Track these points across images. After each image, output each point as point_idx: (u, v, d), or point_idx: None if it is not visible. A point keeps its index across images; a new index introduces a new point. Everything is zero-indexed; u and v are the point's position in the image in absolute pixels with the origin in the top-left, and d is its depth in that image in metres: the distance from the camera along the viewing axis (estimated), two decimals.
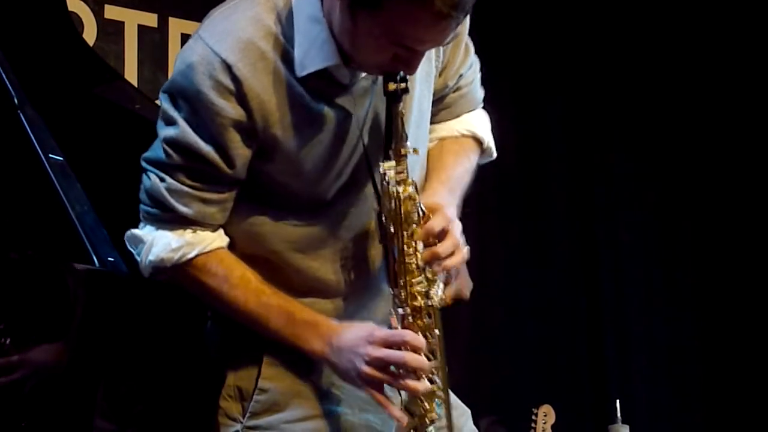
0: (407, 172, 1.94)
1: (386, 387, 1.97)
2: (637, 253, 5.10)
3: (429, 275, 1.96)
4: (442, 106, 2.22)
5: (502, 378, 4.75)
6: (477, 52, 2.24)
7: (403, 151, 1.93)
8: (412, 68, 1.90)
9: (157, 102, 2.01)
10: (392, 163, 1.93)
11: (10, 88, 2.34)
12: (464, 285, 2.05)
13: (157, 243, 1.99)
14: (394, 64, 1.88)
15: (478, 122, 2.26)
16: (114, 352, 1.98)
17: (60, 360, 1.91)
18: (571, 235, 5.00)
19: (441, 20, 1.78)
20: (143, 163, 2.00)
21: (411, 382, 1.93)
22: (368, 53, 1.87)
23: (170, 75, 1.99)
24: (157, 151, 1.98)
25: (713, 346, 5.10)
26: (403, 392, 2.02)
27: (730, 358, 5.05)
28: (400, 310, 1.95)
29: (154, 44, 4.18)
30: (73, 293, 1.96)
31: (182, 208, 1.97)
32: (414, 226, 1.94)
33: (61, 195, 2.22)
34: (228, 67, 1.89)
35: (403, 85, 1.90)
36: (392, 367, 1.93)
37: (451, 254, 1.96)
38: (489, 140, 2.27)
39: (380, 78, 1.97)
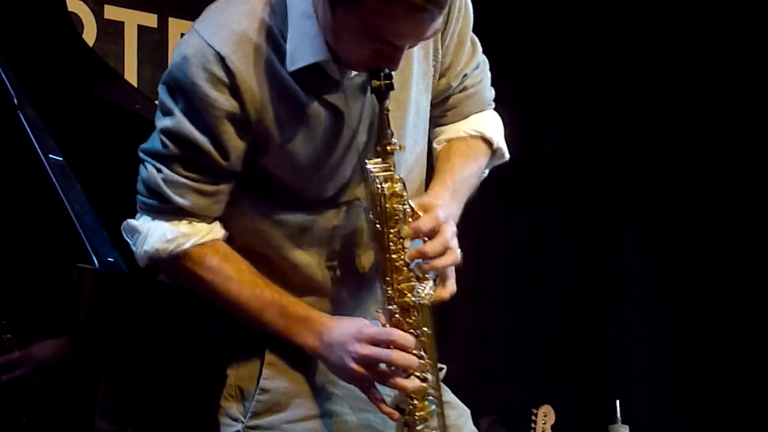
0: (394, 169, 1.94)
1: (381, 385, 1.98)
2: (637, 253, 5.09)
3: (418, 273, 1.95)
4: (448, 107, 2.21)
5: (502, 378, 4.74)
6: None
7: (389, 148, 1.93)
8: (394, 64, 1.89)
9: (157, 102, 2.01)
10: (378, 159, 1.94)
11: (10, 88, 2.34)
12: (447, 288, 2.04)
13: (153, 233, 1.99)
14: (377, 59, 1.87)
15: (487, 123, 2.24)
16: (114, 353, 1.98)
17: (60, 358, 1.91)
18: (571, 235, 5.00)
19: (416, 13, 1.78)
20: (141, 154, 2.01)
21: (400, 380, 1.94)
22: (350, 48, 1.87)
23: (161, 78, 2.00)
24: (154, 142, 1.98)
25: (713, 346, 5.10)
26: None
27: (729, 358, 5.05)
28: (389, 307, 1.96)
29: (153, 44, 4.18)
30: (73, 293, 1.96)
31: (178, 199, 1.97)
32: (401, 224, 1.94)
33: (61, 195, 2.22)
34: (221, 59, 1.90)
35: (387, 81, 1.89)
36: (382, 365, 1.94)
37: (441, 254, 1.95)
38: (499, 141, 2.25)
39: None
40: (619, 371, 4.96)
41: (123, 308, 2.02)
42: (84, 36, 3.89)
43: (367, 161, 1.95)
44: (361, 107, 2.01)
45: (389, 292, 1.95)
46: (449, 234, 1.96)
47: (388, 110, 1.92)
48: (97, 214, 2.25)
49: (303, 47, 1.92)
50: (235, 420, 2.06)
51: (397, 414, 1.97)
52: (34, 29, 2.67)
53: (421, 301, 1.95)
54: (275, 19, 1.93)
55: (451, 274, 2.04)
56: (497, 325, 4.82)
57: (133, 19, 4.15)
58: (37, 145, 2.29)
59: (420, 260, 1.96)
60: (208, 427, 2.06)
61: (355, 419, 2.08)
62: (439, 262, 1.96)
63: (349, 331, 1.96)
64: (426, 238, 1.94)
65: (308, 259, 2.05)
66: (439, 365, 2.04)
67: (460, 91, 2.21)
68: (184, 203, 1.98)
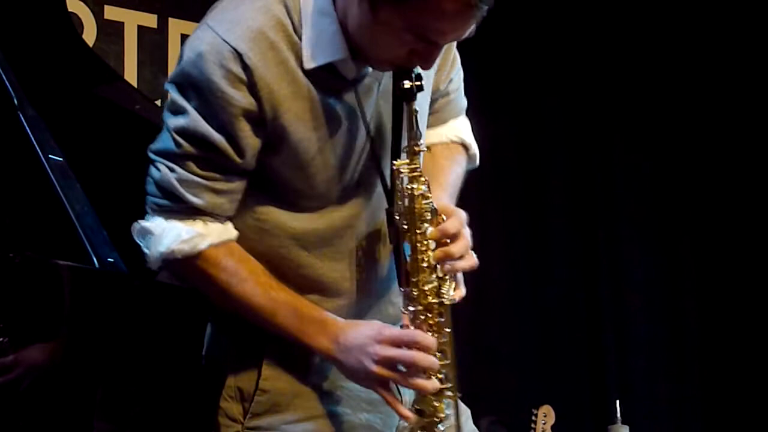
0: (420, 170, 1.94)
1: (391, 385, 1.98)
2: (637, 253, 5.10)
3: (440, 274, 1.96)
4: (432, 111, 2.22)
5: (502, 378, 4.74)
6: (477, 53, 2.24)
7: (417, 149, 1.93)
8: (429, 63, 1.90)
9: (157, 102, 2.01)
10: (406, 160, 1.93)
11: (10, 88, 2.33)
12: (460, 290, 2.05)
13: (168, 234, 1.97)
14: (410, 58, 1.87)
15: (463, 128, 2.28)
16: (114, 353, 1.98)
17: (59, 360, 1.91)
18: (571, 235, 5.00)
19: (467, 10, 1.79)
20: (150, 155, 1.98)
21: (421, 381, 1.93)
22: (386, 47, 1.87)
23: (170, 74, 1.99)
24: (165, 141, 1.96)
25: (713, 347, 5.10)
26: (410, 391, 2.01)
27: (729, 359, 5.05)
28: (411, 308, 1.95)
29: (153, 45, 4.18)
30: (72, 294, 1.96)
31: (193, 199, 1.96)
32: (426, 224, 1.94)
33: (61, 195, 2.22)
34: (239, 56, 1.89)
35: (418, 83, 1.89)
36: (401, 366, 1.93)
37: (463, 257, 1.97)
38: (474, 147, 2.28)
39: (384, 76, 1.97)
40: (619, 371, 4.96)
41: (122, 309, 2.01)
42: (84, 36, 3.89)
43: (394, 162, 1.94)
44: (371, 107, 2.00)
45: (413, 292, 1.95)
46: (469, 238, 1.98)
47: (416, 111, 1.91)
48: (98, 214, 2.25)
49: (321, 46, 1.91)
50: (235, 421, 2.05)
51: (412, 417, 1.96)
52: (34, 29, 2.66)
53: (444, 302, 1.96)
54: (290, 16, 1.92)
55: (461, 277, 2.04)
56: (497, 325, 4.82)
57: (133, 20, 4.16)
58: (37, 145, 2.28)
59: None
60: (208, 429, 2.06)
61: (355, 420, 2.08)
62: (460, 264, 1.97)
63: (368, 334, 1.95)
64: (448, 240, 1.95)
65: (315, 261, 2.05)
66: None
67: (444, 96, 2.23)
68: (199, 203, 1.96)
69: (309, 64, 1.92)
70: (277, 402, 2.05)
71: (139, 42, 4.16)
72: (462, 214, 1.99)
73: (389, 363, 1.92)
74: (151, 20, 4.19)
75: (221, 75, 1.89)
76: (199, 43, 1.92)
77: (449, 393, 1.98)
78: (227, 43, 1.89)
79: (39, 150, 2.28)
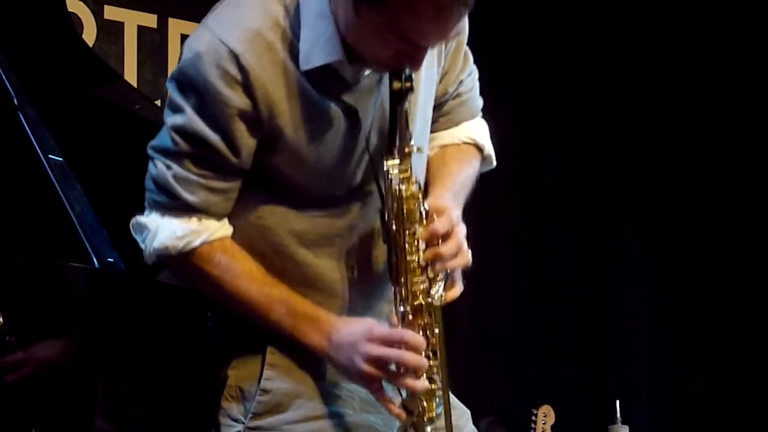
0: (411, 171, 1.94)
1: (387, 385, 1.98)
2: (638, 252, 5.10)
3: (430, 274, 1.96)
4: (442, 113, 2.22)
5: (502, 378, 4.74)
6: (477, 56, 2.24)
7: (407, 150, 1.93)
8: (416, 64, 1.90)
9: (157, 102, 2.01)
10: (396, 161, 1.94)
11: (9, 88, 2.33)
12: (455, 289, 2.05)
13: (162, 230, 1.98)
14: (399, 60, 1.88)
15: (478, 130, 2.27)
16: (114, 353, 1.98)
17: (61, 359, 1.91)
18: (571, 235, 5.00)
19: (444, 12, 1.79)
20: (150, 151, 2.00)
21: (410, 381, 1.93)
22: (373, 48, 1.88)
23: (170, 74, 1.99)
24: (163, 138, 1.98)
25: (713, 347, 5.10)
26: (402, 390, 2.01)
27: (730, 359, 5.05)
28: (401, 308, 1.96)
29: (153, 45, 4.18)
30: (73, 294, 1.96)
31: (188, 196, 1.97)
32: (416, 225, 1.94)
33: (61, 195, 2.22)
34: (235, 57, 1.90)
35: (408, 84, 1.90)
36: (392, 365, 1.93)
37: (454, 256, 1.97)
38: (489, 148, 2.28)
39: (386, 77, 1.97)
40: (619, 371, 4.96)
41: (123, 309, 2.02)
42: (84, 36, 3.89)
43: (385, 162, 1.95)
44: (371, 108, 2.01)
45: (403, 293, 1.95)
46: (461, 236, 1.97)
47: (407, 112, 1.92)
48: (98, 214, 2.25)
49: (318, 47, 1.92)
50: (236, 421, 2.05)
51: (404, 415, 1.97)
52: (34, 29, 2.67)
53: (434, 303, 1.96)
54: (289, 18, 1.93)
55: (459, 274, 2.04)
56: (497, 326, 4.82)
57: (133, 20, 4.15)
58: (37, 145, 2.28)
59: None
60: (209, 428, 2.06)
61: (356, 420, 2.08)
62: (452, 264, 1.97)
63: (360, 332, 1.95)
64: (439, 240, 1.95)
65: (315, 259, 2.05)
66: None
67: (455, 98, 2.23)
68: (194, 200, 1.97)
69: (305, 66, 1.93)
70: (279, 402, 2.05)
71: (139, 42, 4.16)
72: (454, 213, 1.99)
73: (378, 361, 1.93)
74: (151, 20, 4.19)
75: (217, 75, 1.90)
76: (197, 44, 1.93)
77: (440, 393, 1.99)
78: (224, 43, 1.90)
79: (39, 150, 2.28)
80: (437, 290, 1.97)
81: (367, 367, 1.93)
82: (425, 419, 1.98)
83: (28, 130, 2.30)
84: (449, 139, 2.23)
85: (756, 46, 5.04)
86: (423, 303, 1.95)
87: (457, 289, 2.03)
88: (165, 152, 1.97)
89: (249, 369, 2.06)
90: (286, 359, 2.06)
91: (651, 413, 4.94)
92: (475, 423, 2.25)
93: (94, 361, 1.95)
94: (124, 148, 2.22)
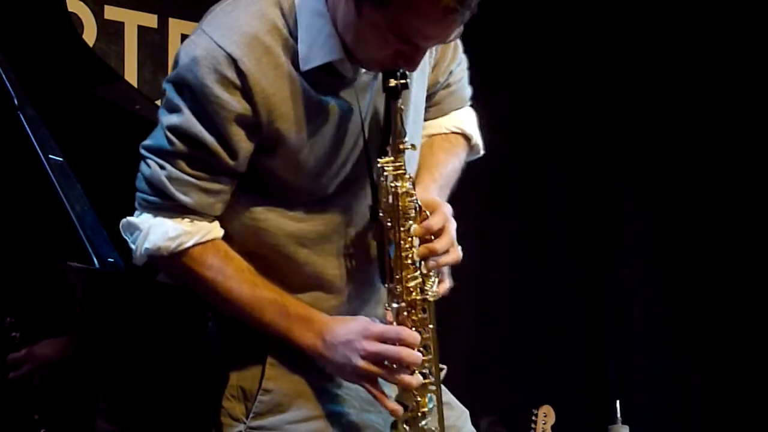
0: (405, 168, 1.94)
1: (382, 381, 1.98)
2: (638, 253, 5.10)
3: (424, 270, 1.96)
4: (432, 104, 2.23)
5: (502, 378, 4.74)
6: (476, 52, 2.24)
7: (401, 147, 1.95)
8: (413, 65, 1.91)
9: (158, 102, 2.01)
10: (390, 158, 1.95)
11: (10, 88, 2.33)
12: (445, 283, 2.06)
13: (155, 231, 1.99)
14: (396, 60, 1.88)
15: (466, 119, 2.28)
16: (115, 353, 1.98)
17: (62, 358, 1.91)
18: (571, 235, 5.00)
19: (448, 15, 1.79)
20: (143, 151, 2.00)
21: (405, 377, 1.95)
22: (372, 48, 1.88)
23: (167, 76, 1.99)
24: (158, 138, 1.98)
25: (713, 347, 5.10)
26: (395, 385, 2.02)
27: (730, 359, 5.05)
28: (395, 305, 1.97)
29: (153, 45, 4.18)
30: (73, 293, 1.96)
31: (182, 197, 1.97)
32: (410, 221, 1.95)
33: (61, 195, 2.22)
34: (233, 62, 1.90)
35: (403, 81, 1.91)
36: (386, 362, 1.94)
37: (447, 252, 1.98)
38: (477, 137, 2.29)
39: (380, 74, 1.98)
40: (619, 371, 4.96)
41: (123, 309, 2.01)
42: (84, 36, 3.89)
43: (378, 159, 1.95)
44: (367, 104, 2.01)
45: (398, 289, 1.96)
46: (453, 232, 1.97)
47: (401, 109, 1.93)
48: (98, 214, 2.25)
49: (316, 47, 1.92)
50: (237, 420, 2.05)
51: (400, 410, 1.98)
52: (34, 29, 2.66)
53: (429, 298, 1.97)
54: (285, 19, 1.93)
55: (447, 270, 2.05)
56: (497, 326, 4.82)
57: (133, 20, 4.15)
58: (37, 145, 2.28)
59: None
60: (209, 428, 2.06)
61: (357, 419, 2.08)
62: (444, 259, 1.98)
63: (355, 330, 1.96)
64: (432, 236, 1.96)
65: (312, 257, 2.06)
66: (440, 365, 2.05)
67: (444, 88, 2.23)
68: (188, 201, 1.97)
69: (305, 66, 1.93)
70: (280, 402, 2.05)
71: (139, 42, 4.16)
72: (446, 209, 2.00)
73: (375, 358, 1.94)
74: (151, 20, 4.19)
75: (215, 80, 1.90)
76: (194, 48, 1.93)
77: (432, 387, 2.00)
78: (222, 48, 1.90)
79: (39, 150, 2.28)
80: (431, 286, 1.98)
81: (364, 364, 1.94)
82: (419, 414, 1.99)
83: (28, 130, 2.30)
84: (437, 128, 2.25)
85: (756, 46, 5.04)
86: (417, 299, 1.96)
87: (446, 285, 2.04)
88: (159, 152, 1.97)
89: (250, 369, 2.06)
90: (288, 359, 2.06)
91: (651, 413, 4.94)
92: (475, 423, 2.25)
93: (95, 361, 1.95)
94: (125, 148, 2.22)
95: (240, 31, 1.91)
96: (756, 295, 5.01)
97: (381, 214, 1.97)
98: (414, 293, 1.96)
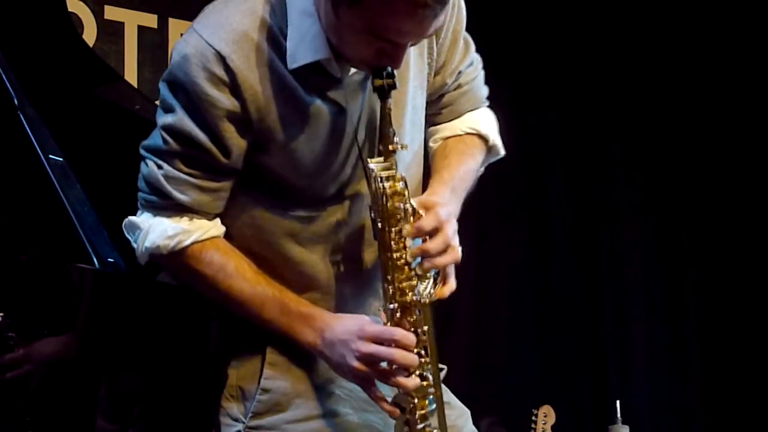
0: (396, 168, 1.94)
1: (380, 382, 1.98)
2: (638, 253, 5.10)
3: (419, 272, 1.96)
4: (443, 105, 2.22)
5: (502, 378, 4.75)
6: (476, 52, 2.24)
7: (391, 147, 1.93)
8: (396, 62, 1.90)
9: (158, 102, 2.01)
10: (380, 159, 1.94)
11: (10, 88, 2.33)
12: (448, 286, 2.04)
13: (154, 230, 2.00)
14: (380, 58, 1.88)
15: (482, 120, 2.25)
16: (115, 353, 1.98)
17: (61, 358, 1.91)
18: (571, 236, 5.00)
19: (418, 10, 1.78)
20: (142, 151, 2.01)
21: (401, 379, 1.94)
22: (353, 47, 1.88)
23: (162, 75, 2.00)
24: (155, 138, 1.99)
25: (713, 347, 5.10)
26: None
27: (730, 359, 5.05)
28: (390, 305, 1.96)
29: (153, 45, 4.18)
30: (73, 293, 1.96)
31: (179, 196, 1.98)
32: (402, 222, 1.94)
33: (62, 195, 2.22)
34: (222, 59, 1.90)
35: (390, 81, 1.90)
36: (383, 363, 1.94)
37: (442, 252, 1.95)
38: (494, 137, 2.26)
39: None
40: (619, 371, 4.96)
41: (123, 309, 2.02)
42: (84, 36, 3.89)
43: (369, 160, 1.95)
44: (360, 104, 2.01)
45: (390, 290, 1.95)
46: (450, 232, 1.96)
47: (390, 109, 1.92)
48: (98, 214, 2.25)
49: (304, 46, 1.92)
50: (236, 420, 2.06)
51: (397, 412, 1.97)
52: (34, 29, 2.67)
53: (421, 300, 1.96)
54: (275, 17, 1.94)
55: (451, 271, 2.04)
56: (497, 326, 4.82)
57: (133, 20, 4.15)
58: (37, 145, 2.28)
59: (419, 258, 1.96)
60: (209, 427, 2.06)
61: (356, 419, 2.08)
62: (440, 260, 1.96)
63: (351, 329, 1.96)
64: (427, 237, 1.94)
65: (309, 256, 2.06)
66: (440, 366, 2.05)
67: (455, 89, 2.22)
68: (185, 199, 1.98)
69: (293, 64, 1.94)
70: (279, 401, 2.05)
71: (139, 42, 4.16)
72: (442, 210, 1.97)
73: (369, 359, 1.93)
74: (151, 20, 4.19)
75: (204, 77, 1.91)
76: (185, 46, 1.94)
77: (431, 390, 1.99)
78: (211, 46, 1.91)
79: (39, 150, 2.28)
80: (426, 287, 1.96)
81: (358, 365, 1.94)
82: (417, 416, 1.98)
83: (28, 130, 2.30)
84: (451, 130, 2.23)
85: (755, 46, 5.04)
86: (411, 300, 1.95)
87: (450, 286, 2.03)
88: (156, 152, 1.98)
89: (249, 368, 2.06)
90: (286, 358, 2.06)
91: (651, 413, 4.94)
92: (475, 423, 2.25)
93: (95, 361, 1.95)
94: (125, 149, 2.22)
95: (230, 28, 1.92)
96: (757, 295, 5.01)
97: (373, 215, 1.97)
98: (408, 294, 1.95)
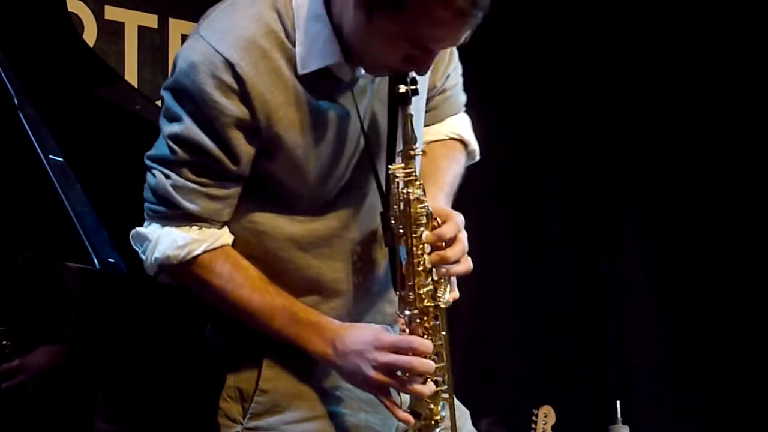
0: (416, 174, 1.94)
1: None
2: (637, 253, 5.10)
3: (435, 278, 1.96)
4: (428, 109, 2.21)
5: (502, 378, 4.75)
6: (478, 55, 2.24)
7: (412, 153, 1.93)
8: (424, 69, 1.90)
9: (158, 103, 2.01)
10: (401, 164, 1.94)
11: (10, 88, 2.33)
12: (453, 293, 2.05)
13: (163, 240, 1.98)
14: (405, 64, 1.87)
15: (461, 125, 2.27)
16: (114, 354, 1.98)
17: (59, 362, 1.91)
18: (571, 235, 5.00)
19: (461, 18, 1.79)
20: (147, 162, 1.99)
21: (418, 387, 1.93)
22: (381, 53, 1.87)
23: (164, 83, 1.98)
24: (161, 148, 1.97)
25: (713, 347, 5.10)
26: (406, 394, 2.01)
27: (730, 359, 5.05)
28: (408, 312, 1.95)
29: (154, 45, 4.18)
30: (72, 294, 1.96)
31: (188, 205, 1.96)
32: (422, 228, 1.94)
33: (61, 195, 2.22)
34: (230, 66, 1.89)
35: (413, 87, 1.89)
36: (398, 372, 1.93)
37: (459, 261, 1.96)
38: (474, 143, 2.28)
39: (378, 77, 1.97)
40: (619, 371, 4.96)
41: (123, 309, 2.01)
42: (84, 36, 3.89)
43: (389, 166, 1.95)
44: (366, 109, 2.00)
45: (410, 296, 1.95)
46: (466, 242, 1.97)
47: (411, 115, 1.92)
48: (98, 214, 2.25)
49: (314, 50, 1.91)
50: (234, 421, 2.05)
51: (412, 420, 1.96)
52: (34, 29, 2.67)
53: (441, 305, 1.96)
54: (282, 23, 1.92)
55: (454, 279, 2.04)
56: (497, 326, 4.82)
57: (133, 20, 4.16)
58: (37, 145, 2.28)
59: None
60: (208, 429, 2.06)
61: (354, 420, 2.08)
62: (456, 269, 1.97)
63: (366, 339, 1.94)
64: (443, 244, 1.95)
65: (313, 261, 2.05)
66: None
67: (440, 93, 2.22)
68: (194, 209, 1.96)
69: (303, 70, 1.92)
70: (277, 402, 2.05)
71: (139, 42, 4.16)
72: (459, 218, 1.98)
73: (387, 369, 1.92)
74: (151, 20, 4.19)
75: (213, 85, 1.89)
76: (191, 53, 1.92)
77: (445, 395, 1.99)
78: (219, 53, 1.89)
79: (39, 150, 2.28)
80: (444, 293, 1.97)
81: (375, 374, 1.92)
82: (432, 422, 1.98)
83: (28, 130, 2.30)
84: (434, 135, 2.23)
85: (755, 47, 5.04)
86: (429, 306, 1.95)
87: (455, 293, 2.03)
88: (163, 162, 1.96)
89: (247, 370, 2.05)
90: (285, 360, 2.05)
91: (651, 413, 4.94)
92: (475, 423, 2.25)
93: (94, 361, 1.95)
94: (125, 148, 2.22)
95: (237, 34, 1.90)
96: (757, 295, 5.01)
97: (392, 221, 1.96)
98: (426, 300, 1.95)
